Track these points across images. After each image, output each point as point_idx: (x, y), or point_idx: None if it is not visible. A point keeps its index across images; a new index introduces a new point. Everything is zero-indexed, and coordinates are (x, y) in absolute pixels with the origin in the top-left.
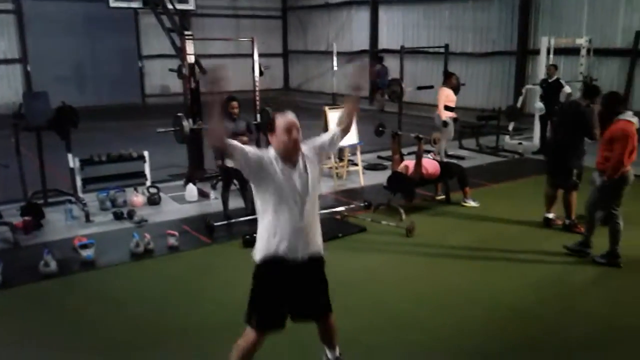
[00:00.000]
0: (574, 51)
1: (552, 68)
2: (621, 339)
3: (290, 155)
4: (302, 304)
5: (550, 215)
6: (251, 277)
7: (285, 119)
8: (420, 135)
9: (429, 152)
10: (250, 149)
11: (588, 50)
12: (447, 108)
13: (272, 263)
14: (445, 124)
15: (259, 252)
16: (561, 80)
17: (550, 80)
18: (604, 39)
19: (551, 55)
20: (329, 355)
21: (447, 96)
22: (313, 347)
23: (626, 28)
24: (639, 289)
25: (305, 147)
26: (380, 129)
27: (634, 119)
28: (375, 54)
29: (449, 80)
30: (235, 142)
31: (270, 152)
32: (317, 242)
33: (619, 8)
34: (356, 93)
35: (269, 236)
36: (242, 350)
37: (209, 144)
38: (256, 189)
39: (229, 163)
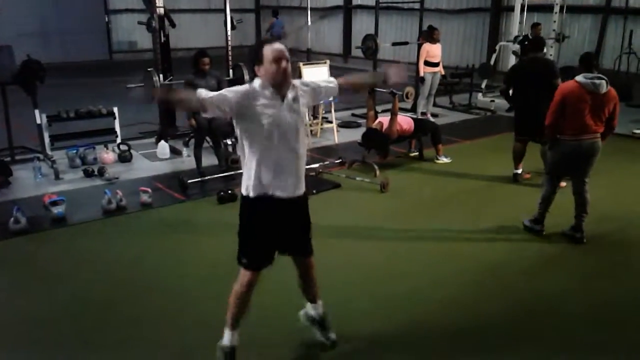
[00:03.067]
0: (548, 8)
1: (538, 27)
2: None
3: (279, 86)
4: (288, 239)
5: (519, 171)
6: (238, 216)
7: (272, 47)
8: (395, 91)
9: (407, 110)
10: (227, 93)
11: (561, 8)
12: (427, 63)
13: (259, 201)
14: (422, 79)
15: (246, 189)
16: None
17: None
18: None
19: (525, 13)
20: (311, 311)
21: (427, 51)
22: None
23: None
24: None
25: (297, 81)
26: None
27: (582, 79)
28: (349, 9)
29: (431, 35)
30: (209, 95)
31: (256, 83)
32: (302, 181)
33: None
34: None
35: (256, 173)
36: (239, 293)
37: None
38: (242, 127)
39: (206, 116)
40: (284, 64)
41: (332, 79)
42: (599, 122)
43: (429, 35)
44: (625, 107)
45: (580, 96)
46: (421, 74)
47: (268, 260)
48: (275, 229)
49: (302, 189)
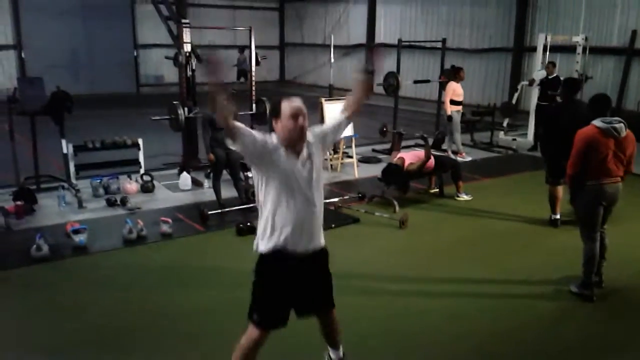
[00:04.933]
0: (570, 49)
1: (550, 66)
2: None
3: (295, 143)
4: (305, 299)
5: (558, 216)
6: (253, 271)
7: (291, 104)
8: (425, 135)
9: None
10: (256, 132)
11: (584, 48)
12: (453, 102)
13: (275, 257)
14: (450, 118)
15: (261, 244)
16: (561, 78)
17: (550, 77)
18: (600, 37)
19: (547, 53)
20: (332, 355)
21: (453, 90)
22: (316, 345)
23: (622, 27)
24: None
25: (309, 135)
26: (384, 129)
27: (601, 125)
28: (371, 48)
29: (458, 74)
30: (241, 125)
31: (274, 138)
32: (321, 234)
33: (615, 6)
34: (368, 77)
35: (272, 228)
36: (245, 348)
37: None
38: (259, 176)
39: (231, 146)
40: (301, 120)
41: (337, 115)
42: (621, 166)
43: (454, 74)
44: None
45: (602, 141)
46: (448, 112)
47: (282, 322)
48: (291, 288)
49: (319, 243)
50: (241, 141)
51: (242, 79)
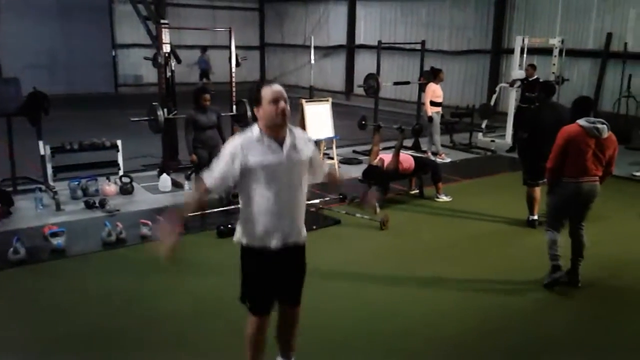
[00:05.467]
0: (547, 51)
1: (529, 68)
2: None
3: (277, 127)
4: (284, 288)
5: (535, 217)
6: (240, 259)
7: (271, 89)
8: (403, 127)
9: (409, 147)
10: (223, 167)
11: (560, 51)
12: (433, 103)
13: (257, 248)
14: (430, 119)
15: (243, 236)
16: (541, 80)
17: (530, 79)
18: (577, 39)
19: (525, 55)
20: None
21: (433, 91)
22: None
23: (598, 30)
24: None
25: (300, 131)
26: (363, 122)
27: (584, 123)
28: (352, 49)
29: (438, 76)
30: (208, 181)
31: (254, 130)
32: (303, 228)
33: (591, 10)
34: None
35: (254, 220)
36: (250, 337)
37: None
38: (240, 178)
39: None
40: (282, 104)
41: (326, 166)
42: (599, 166)
43: (434, 76)
44: (624, 149)
45: (584, 140)
46: (429, 113)
47: (268, 309)
48: (274, 279)
49: (300, 236)
50: (221, 187)
51: (204, 80)
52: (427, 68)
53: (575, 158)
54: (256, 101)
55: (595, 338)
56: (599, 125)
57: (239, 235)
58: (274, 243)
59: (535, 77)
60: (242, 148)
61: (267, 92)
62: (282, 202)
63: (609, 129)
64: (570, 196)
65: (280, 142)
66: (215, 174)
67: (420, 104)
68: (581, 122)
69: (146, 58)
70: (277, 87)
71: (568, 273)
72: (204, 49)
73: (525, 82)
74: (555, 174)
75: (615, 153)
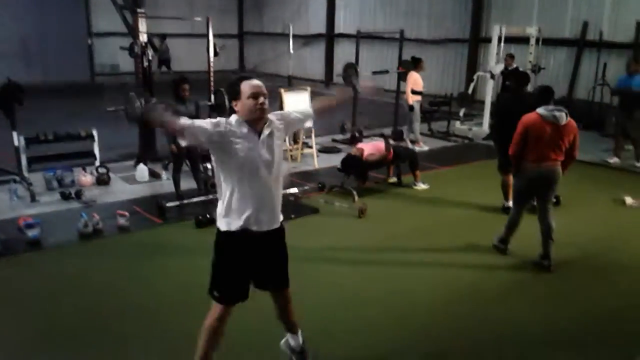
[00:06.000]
0: (524, 40)
1: (508, 58)
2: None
3: (256, 121)
4: (264, 274)
5: (510, 203)
6: (213, 249)
7: (250, 83)
8: (385, 134)
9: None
10: (203, 123)
11: (537, 40)
12: (414, 92)
13: (234, 234)
14: (411, 107)
15: (221, 222)
16: (520, 69)
17: (509, 69)
18: (553, 28)
19: (502, 44)
20: (292, 342)
21: (415, 80)
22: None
23: (574, 19)
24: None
25: (272, 116)
26: (344, 126)
27: (543, 112)
28: (331, 37)
29: (419, 65)
30: (188, 122)
31: (232, 119)
32: (279, 212)
33: None
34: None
35: (232, 207)
36: (210, 327)
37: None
38: (217, 159)
39: (183, 143)
40: (261, 99)
41: (306, 109)
42: (559, 151)
43: (415, 65)
44: (598, 136)
45: (541, 127)
46: (410, 102)
47: (242, 296)
48: (250, 264)
49: (278, 222)
50: (192, 136)
51: (163, 68)
52: (405, 57)
53: (534, 144)
54: (235, 95)
55: (561, 317)
56: (557, 113)
57: (218, 221)
58: (254, 228)
59: (514, 66)
60: (226, 124)
61: (246, 86)
62: (259, 188)
63: (568, 115)
64: (531, 180)
65: (259, 132)
66: (193, 122)
67: (399, 92)
68: (540, 110)
69: (122, 48)
70: (256, 82)
71: (540, 257)
72: (162, 37)
73: (504, 71)
74: (517, 159)
75: (577, 138)
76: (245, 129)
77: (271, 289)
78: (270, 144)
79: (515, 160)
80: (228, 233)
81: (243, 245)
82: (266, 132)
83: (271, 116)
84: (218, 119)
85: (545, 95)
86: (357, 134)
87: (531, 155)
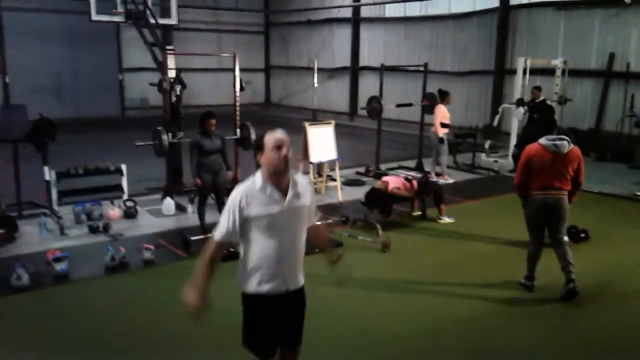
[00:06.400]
0: (550, 71)
1: (535, 90)
2: None
3: (280, 174)
4: (285, 333)
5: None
6: (242, 305)
7: (274, 136)
8: (410, 177)
9: (412, 169)
10: (226, 224)
11: (563, 71)
12: (442, 125)
13: (259, 297)
14: (441, 140)
15: (245, 284)
16: (547, 102)
17: (537, 101)
18: (579, 60)
19: (527, 76)
20: None
21: (442, 113)
22: None
23: (600, 50)
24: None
25: (301, 178)
26: (369, 169)
27: (544, 142)
28: (355, 70)
29: (446, 98)
30: (219, 238)
31: (257, 179)
32: (301, 273)
33: (593, 30)
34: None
35: (254, 268)
36: None
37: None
38: (242, 229)
39: (206, 180)
40: (284, 151)
41: (315, 219)
42: (564, 180)
43: (442, 98)
44: (627, 169)
45: (543, 156)
46: (440, 135)
47: (271, 354)
48: (275, 325)
49: (300, 281)
50: (229, 241)
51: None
52: (429, 89)
53: (537, 174)
54: (259, 148)
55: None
56: (558, 142)
57: (240, 281)
58: (276, 290)
59: (542, 98)
60: (245, 198)
61: (269, 139)
62: (284, 250)
63: (571, 143)
64: (537, 209)
65: (284, 191)
66: (222, 227)
67: (423, 124)
68: (541, 140)
69: (151, 84)
70: (279, 135)
71: (566, 284)
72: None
73: (531, 104)
74: (521, 189)
75: (581, 166)
76: (269, 189)
77: (284, 347)
78: (295, 204)
79: (519, 190)
80: (252, 295)
81: (266, 306)
82: (291, 192)
83: (300, 178)
84: (236, 200)
85: (547, 125)
86: (384, 174)
87: (535, 185)
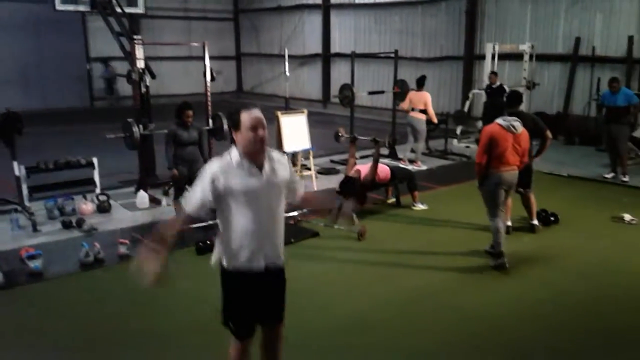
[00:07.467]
0: (518, 56)
1: (492, 76)
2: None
3: (256, 153)
4: (265, 311)
5: (509, 223)
6: (220, 283)
7: (250, 115)
8: (377, 139)
9: (385, 156)
10: (199, 195)
11: (531, 56)
12: (423, 111)
13: (237, 273)
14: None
15: (223, 259)
16: (504, 86)
17: (493, 86)
18: (546, 45)
19: (496, 61)
20: None
21: (428, 99)
22: None
23: (566, 34)
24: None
25: (277, 154)
26: (339, 134)
27: (502, 121)
28: (327, 57)
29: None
30: (190, 207)
31: (233, 155)
32: (281, 251)
33: (559, 15)
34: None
35: (233, 244)
36: (233, 357)
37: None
38: (218, 203)
39: (182, 171)
40: (260, 132)
41: (301, 188)
42: (517, 157)
43: (421, 85)
44: (594, 151)
45: (505, 135)
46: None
47: (251, 332)
48: (255, 302)
49: (281, 259)
50: (199, 211)
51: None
52: (401, 75)
53: (499, 152)
54: (235, 126)
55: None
56: (514, 123)
57: (218, 257)
58: (256, 265)
59: (499, 84)
60: (221, 172)
61: (245, 118)
62: (263, 225)
63: (522, 125)
64: (498, 184)
65: (260, 166)
66: (194, 199)
67: (395, 110)
68: (499, 121)
69: (119, 75)
70: (256, 114)
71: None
72: (106, 62)
73: (488, 90)
74: (484, 168)
75: (528, 146)
76: (246, 164)
77: (268, 323)
78: (273, 180)
79: (481, 169)
80: (230, 271)
81: (246, 283)
82: (267, 167)
83: (274, 154)
84: (212, 173)
85: (498, 108)
86: (355, 137)
87: (494, 163)
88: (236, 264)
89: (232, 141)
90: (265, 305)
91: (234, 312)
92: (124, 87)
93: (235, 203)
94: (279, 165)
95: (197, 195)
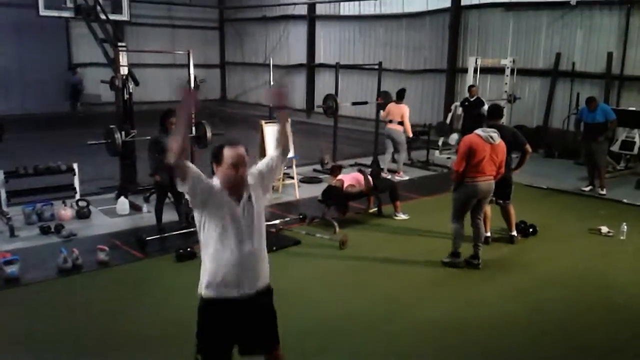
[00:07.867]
0: (500, 71)
1: (472, 88)
2: None
3: (236, 190)
4: (249, 339)
5: (488, 234)
6: (197, 310)
7: (232, 152)
8: (363, 169)
9: (367, 166)
10: (201, 173)
11: (512, 70)
12: (401, 123)
13: (215, 301)
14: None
15: (203, 287)
16: (482, 99)
17: (471, 100)
18: (527, 59)
19: (478, 74)
20: None
21: (406, 111)
22: None
23: (547, 50)
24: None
25: (249, 177)
26: (325, 162)
27: (481, 132)
28: (312, 67)
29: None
30: (191, 165)
31: (215, 182)
32: (265, 274)
33: (540, 31)
34: (281, 111)
35: (213, 271)
36: None
37: (169, 156)
38: (201, 218)
39: (181, 187)
40: (241, 170)
41: (270, 153)
42: (494, 167)
43: (401, 97)
44: (573, 165)
45: (483, 146)
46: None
47: None
48: (234, 330)
49: (264, 282)
50: (191, 181)
51: (75, 102)
52: (384, 87)
53: (476, 161)
54: (217, 161)
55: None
56: (492, 134)
57: (200, 285)
58: (235, 293)
59: (475, 97)
60: (214, 185)
61: (228, 154)
62: (243, 253)
63: (500, 136)
64: (471, 193)
65: (238, 198)
66: (197, 169)
67: (378, 122)
68: (478, 131)
69: (103, 81)
70: (239, 151)
71: (471, 257)
72: (74, 69)
73: (466, 103)
74: (460, 175)
75: (504, 157)
76: (226, 195)
77: (261, 353)
78: (250, 209)
79: (459, 177)
80: (208, 299)
81: (223, 313)
82: (245, 196)
83: (250, 178)
84: (211, 178)
85: (478, 120)
86: (339, 167)
87: (471, 172)
88: (212, 291)
89: (213, 173)
90: (250, 333)
91: (206, 340)
92: (106, 94)
93: (214, 226)
94: (254, 189)
95: (198, 170)
